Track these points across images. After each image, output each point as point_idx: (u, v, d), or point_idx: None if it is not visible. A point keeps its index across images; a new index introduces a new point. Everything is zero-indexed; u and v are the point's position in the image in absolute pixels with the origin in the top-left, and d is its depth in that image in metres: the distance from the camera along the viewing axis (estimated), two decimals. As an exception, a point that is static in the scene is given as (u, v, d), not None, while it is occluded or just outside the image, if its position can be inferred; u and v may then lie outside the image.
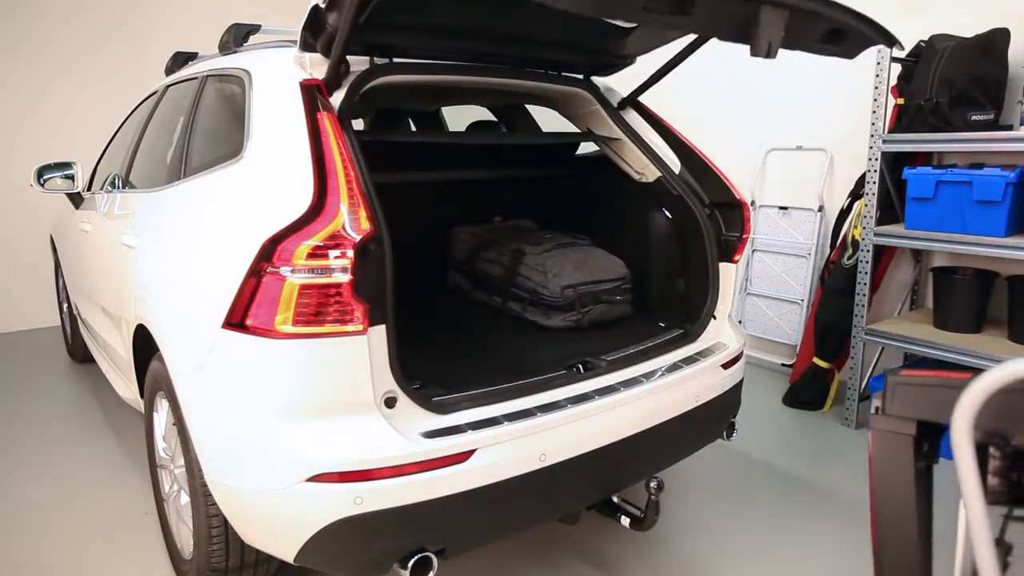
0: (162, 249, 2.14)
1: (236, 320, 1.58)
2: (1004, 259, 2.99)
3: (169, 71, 3.04)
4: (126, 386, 2.72)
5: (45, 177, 3.36)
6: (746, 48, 1.45)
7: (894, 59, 3.13)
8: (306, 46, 1.79)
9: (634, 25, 2.17)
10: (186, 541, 2.06)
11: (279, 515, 1.60)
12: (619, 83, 2.54)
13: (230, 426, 1.67)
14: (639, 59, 2.40)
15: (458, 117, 3.75)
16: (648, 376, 2.02)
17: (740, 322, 4.29)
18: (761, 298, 4.19)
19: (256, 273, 1.55)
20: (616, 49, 2.28)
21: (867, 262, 3.25)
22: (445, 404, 1.70)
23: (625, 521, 2.04)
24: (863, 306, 3.27)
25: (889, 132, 3.19)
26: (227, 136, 2.04)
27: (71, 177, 3.36)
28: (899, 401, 1.03)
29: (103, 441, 3.23)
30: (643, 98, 2.53)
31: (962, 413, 0.84)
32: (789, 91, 3.95)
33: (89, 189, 3.51)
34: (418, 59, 2.00)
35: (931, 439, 1.00)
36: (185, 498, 2.02)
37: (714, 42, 4.54)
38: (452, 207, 3.10)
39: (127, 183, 2.87)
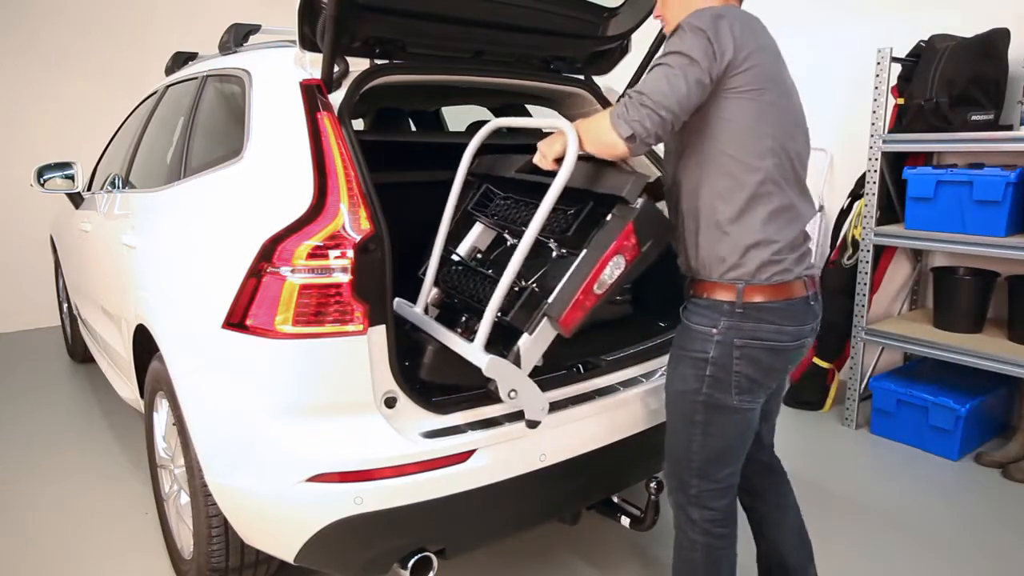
0: (162, 249, 2.14)
1: (236, 320, 1.58)
2: (1004, 259, 2.99)
3: (169, 71, 3.04)
4: (126, 386, 2.72)
5: (45, 177, 3.36)
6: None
7: (894, 59, 3.13)
8: (305, 42, 1.79)
9: (619, 4, 2.16)
10: (186, 541, 2.06)
11: (279, 515, 1.60)
12: (618, 83, 2.54)
13: (230, 426, 1.67)
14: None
15: (458, 117, 3.75)
16: (648, 376, 2.02)
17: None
18: (761, 298, 4.17)
19: (256, 273, 1.55)
20: (604, 31, 2.26)
21: (867, 262, 3.25)
22: (445, 404, 1.69)
23: (625, 521, 2.04)
24: (863, 306, 3.27)
25: (889, 132, 3.19)
26: (227, 136, 2.04)
27: (71, 177, 3.36)
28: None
29: (103, 441, 3.22)
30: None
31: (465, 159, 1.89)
32: (789, 91, 3.94)
33: (89, 189, 3.51)
34: (412, 53, 2.00)
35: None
36: (185, 498, 2.01)
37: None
38: (452, 207, 3.10)
39: (127, 183, 2.87)
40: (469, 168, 1.89)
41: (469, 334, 1.66)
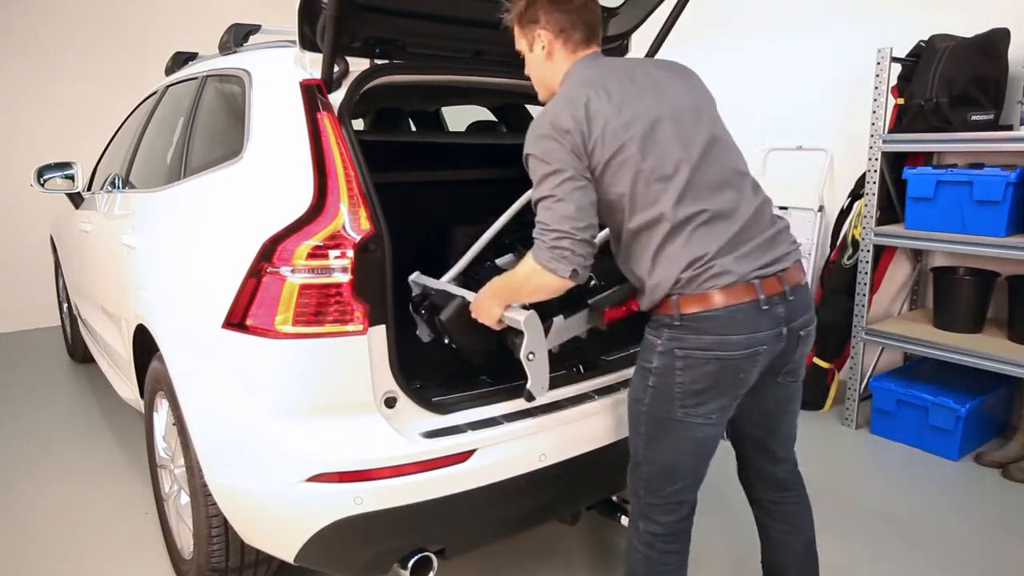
0: (162, 249, 2.14)
1: (236, 320, 1.58)
2: (1004, 259, 2.99)
3: (169, 71, 3.04)
4: (126, 386, 2.72)
5: (45, 177, 3.36)
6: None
7: (894, 59, 3.13)
8: (305, 42, 1.79)
9: (619, 4, 2.17)
10: (186, 541, 2.06)
11: (279, 515, 1.60)
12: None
13: (230, 426, 1.68)
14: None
15: (458, 117, 3.75)
16: (648, 376, 2.01)
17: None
18: (761, 298, 4.17)
19: (256, 273, 1.55)
20: (604, 31, 2.26)
21: (867, 262, 3.25)
22: (445, 404, 1.70)
23: (625, 521, 2.03)
24: (863, 306, 3.27)
25: (889, 132, 3.18)
26: (227, 136, 2.04)
27: (71, 177, 3.36)
28: None
29: (103, 441, 3.22)
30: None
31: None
32: (789, 91, 3.94)
33: (89, 189, 3.50)
34: (412, 53, 2.00)
35: None
36: (185, 498, 2.01)
37: (716, 43, 4.54)
38: (452, 207, 3.10)
39: (127, 183, 2.87)
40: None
41: None
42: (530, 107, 3.26)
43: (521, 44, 1.64)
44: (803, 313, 1.53)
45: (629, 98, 1.48)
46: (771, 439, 1.70)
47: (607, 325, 1.75)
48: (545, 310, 1.69)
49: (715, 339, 1.43)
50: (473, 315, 1.69)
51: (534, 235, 1.45)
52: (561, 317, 1.73)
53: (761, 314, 1.44)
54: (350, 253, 1.52)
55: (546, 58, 1.59)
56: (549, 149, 1.43)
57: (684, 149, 1.47)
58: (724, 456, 1.76)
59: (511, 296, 1.59)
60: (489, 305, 1.64)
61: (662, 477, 1.55)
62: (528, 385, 1.65)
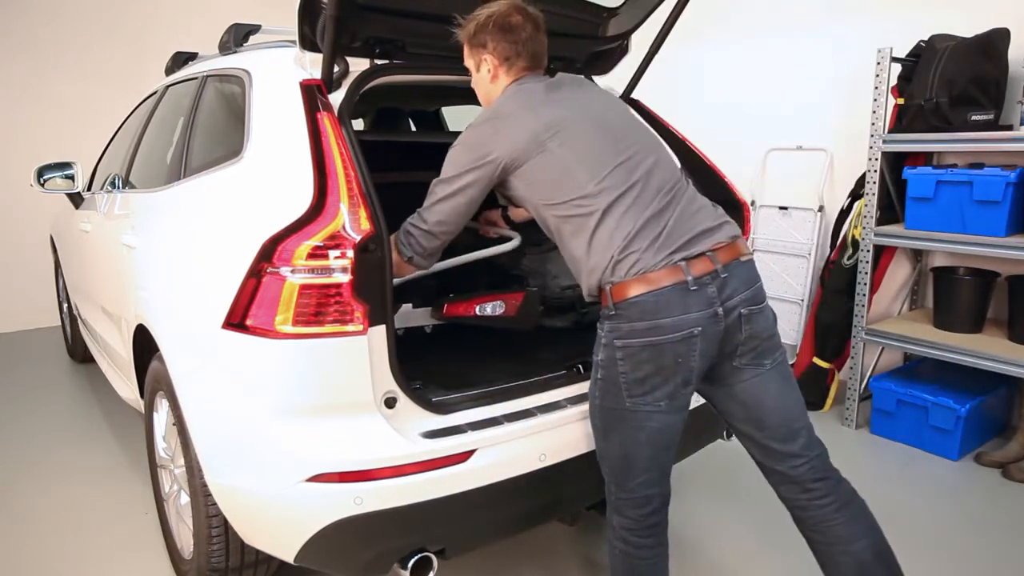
0: (162, 249, 2.14)
1: (236, 320, 1.58)
2: (1004, 259, 2.99)
3: (169, 71, 3.04)
4: (126, 386, 2.72)
5: (45, 177, 3.36)
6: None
7: (894, 59, 3.13)
8: (305, 42, 1.79)
9: (619, 4, 2.17)
10: (186, 541, 2.06)
11: (279, 515, 1.60)
12: (618, 83, 2.54)
13: (230, 426, 1.68)
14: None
15: (458, 117, 3.75)
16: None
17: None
18: (761, 298, 4.17)
19: (256, 273, 1.55)
20: (604, 31, 2.27)
21: (867, 262, 3.25)
22: (445, 404, 1.70)
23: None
24: (863, 306, 3.27)
25: (889, 132, 3.19)
26: (227, 136, 2.04)
27: (71, 177, 3.36)
28: None
29: (103, 441, 3.22)
30: (643, 99, 2.53)
31: None
32: (789, 91, 3.94)
33: (89, 189, 3.51)
34: (412, 53, 2.00)
35: None
36: (185, 498, 2.02)
37: (715, 42, 4.53)
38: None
39: (127, 183, 2.87)
40: None
41: None
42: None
43: (469, 63, 1.73)
44: (742, 290, 1.50)
45: (552, 104, 1.60)
46: (763, 434, 1.60)
47: (444, 319, 2.09)
48: (402, 296, 1.97)
49: (647, 325, 1.44)
50: None
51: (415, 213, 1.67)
52: (410, 305, 2.07)
53: (689, 295, 1.44)
54: (350, 253, 1.52)
55: (491, 80, 1.70)
56: (463, 157, 1.59)
57: (607, 144, 1.56)
58: (737, 447, 1.75)
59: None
60: None
61: (623, 470, 1.57)
62: None
